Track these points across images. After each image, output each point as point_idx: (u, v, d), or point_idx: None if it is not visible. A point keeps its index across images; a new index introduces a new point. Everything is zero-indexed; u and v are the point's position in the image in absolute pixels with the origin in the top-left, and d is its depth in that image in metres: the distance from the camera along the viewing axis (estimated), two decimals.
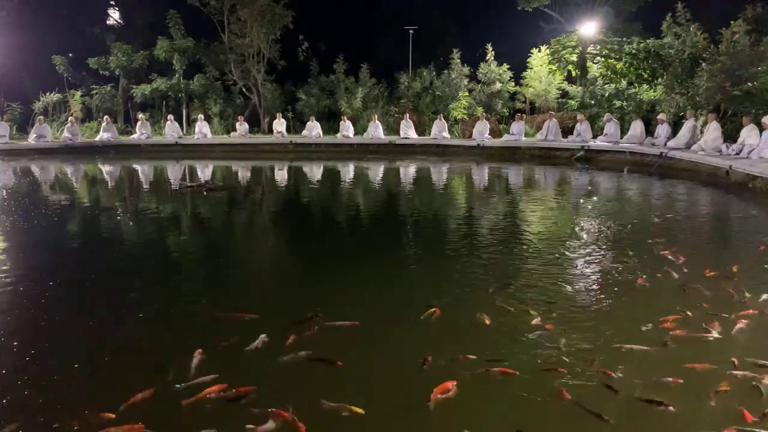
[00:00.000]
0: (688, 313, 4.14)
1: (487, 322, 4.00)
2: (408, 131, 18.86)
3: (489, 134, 18.09)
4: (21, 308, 4.46)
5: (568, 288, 4.81)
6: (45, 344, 3.78)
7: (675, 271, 5.16)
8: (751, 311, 4.15)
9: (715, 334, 3.81)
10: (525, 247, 6.30)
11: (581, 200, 9.66)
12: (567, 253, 5.98)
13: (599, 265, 5.52)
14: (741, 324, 3.92)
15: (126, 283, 5.22)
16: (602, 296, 4.60)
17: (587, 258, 5.76)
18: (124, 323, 4.20)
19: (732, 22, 14.15)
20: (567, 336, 3.75)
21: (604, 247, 6.23)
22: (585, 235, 6.81)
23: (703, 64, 13.81)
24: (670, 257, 5.58)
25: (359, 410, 2.90)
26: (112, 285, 5.16)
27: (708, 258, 5.77)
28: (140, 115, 19.97)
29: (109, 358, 3.60)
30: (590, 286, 4.91)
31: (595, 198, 10.01)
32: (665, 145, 13.91)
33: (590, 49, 18.28)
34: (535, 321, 4.01)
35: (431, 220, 8.41)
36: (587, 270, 5.38)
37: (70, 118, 18.80)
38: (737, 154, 11.75)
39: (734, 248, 6.59)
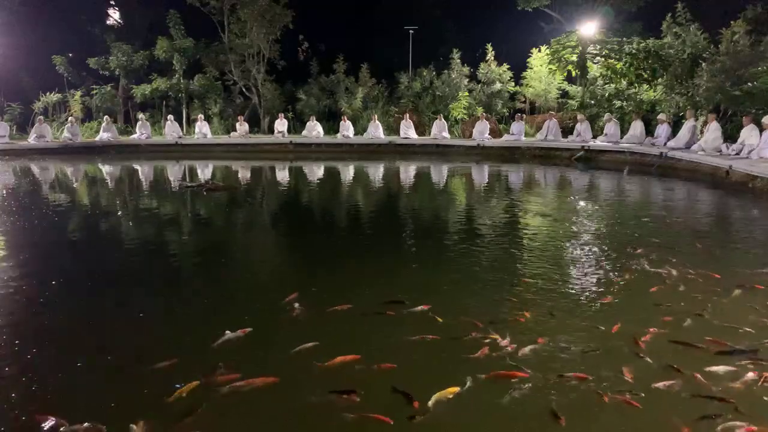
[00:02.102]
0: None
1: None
2: (408, 131, 18.86)
3: (489, 134, 18.09)
4: (21, 308, 4.46)
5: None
6: (45, 343, 3.79)
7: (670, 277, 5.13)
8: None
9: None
10: (528, 250, 6.30)
11: (581, 201, 9.66)
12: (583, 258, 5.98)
13: (596, 271, 5.52)
14: None
15: (127, 282, 5.23)
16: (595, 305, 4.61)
17: (588, 263, 5.77)
18: (126, 322, 4.20)
19: (732, 22, 14.16)
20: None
21: (600, 251, 6.23)
22: (583, 238, 6.81)
23: (703, 64, 13.81)
24: (667, 265, 5.55)
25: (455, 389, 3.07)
26: (113, 285, 5.17)
27: (707, 263, 5.77)
28: (140, 115, 19.97)
29: (111, 357, 3.60)
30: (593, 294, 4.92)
31: (594, 199, 10.01)
32: (665, 145, 13.91)
33: (590, 49, 18.28)
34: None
35: (429, 220, 8.41)
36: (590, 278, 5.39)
37: (70, 118, 18.80)
38: (737, 154, 11.75)
39: (735, 251, 6.58)
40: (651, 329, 3.84)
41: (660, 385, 3.13)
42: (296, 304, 4.38)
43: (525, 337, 3.76)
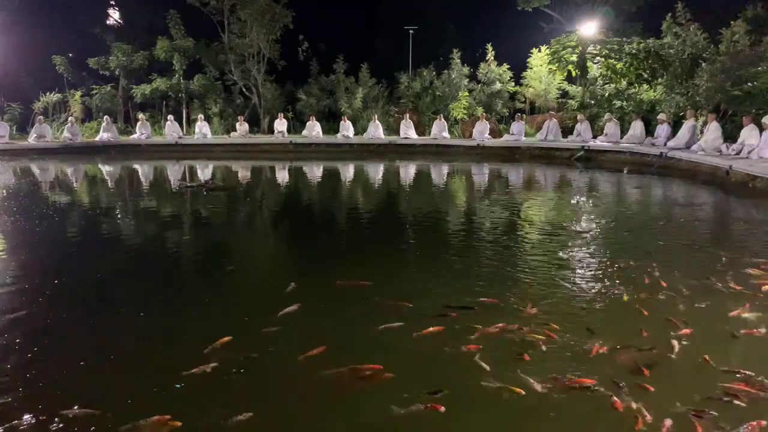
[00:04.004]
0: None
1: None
2: (408, 131, 18.86)
3: (489, 134, 18.10)
4: (21, 308, 4.45)
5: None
6: (46, 342, 3.79)
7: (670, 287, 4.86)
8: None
9: None
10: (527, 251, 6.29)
11: (581, 202, 9.66)
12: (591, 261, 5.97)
13: (598, 275, 5.51)
14: None
15: (127, 282, 5.23)
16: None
17: (591, 267, 5.76)
18: (126, 321, 4.20)
19: (732, 22, 14.17)
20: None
21: (600, 251, 6.22)
22: (583, 239, 6.81)
23: (703, 64, 13.82)
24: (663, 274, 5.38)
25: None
26: (113, 285, 5.17)
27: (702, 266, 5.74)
28: (140, 115, 19.96)
29: (114, 356, 3.60)
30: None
31: (594, 199, 10.01)
32: (665, 145, 13.92)
33: (590, 49, 18.28)
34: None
35: (427, 221, 8.40)
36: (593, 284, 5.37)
37: (70, 118, 18.80)
38: (737, 154, 11.76)
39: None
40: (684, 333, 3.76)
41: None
42: (292, 284, 4.78)
43: (564, 345, 3.67)
